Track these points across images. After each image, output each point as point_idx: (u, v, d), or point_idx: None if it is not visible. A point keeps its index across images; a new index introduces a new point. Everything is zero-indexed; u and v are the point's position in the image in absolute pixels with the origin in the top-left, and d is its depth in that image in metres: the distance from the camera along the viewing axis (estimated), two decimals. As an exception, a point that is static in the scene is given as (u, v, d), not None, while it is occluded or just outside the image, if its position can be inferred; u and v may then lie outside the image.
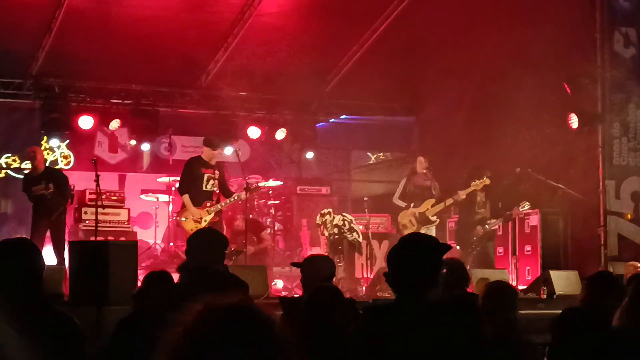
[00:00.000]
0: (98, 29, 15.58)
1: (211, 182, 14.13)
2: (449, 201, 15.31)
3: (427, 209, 15.30)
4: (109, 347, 6.91)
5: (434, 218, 15.39)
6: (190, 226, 13.78)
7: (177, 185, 15.12)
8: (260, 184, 16.33)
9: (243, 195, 14.22)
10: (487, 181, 15.04)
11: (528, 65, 14.96)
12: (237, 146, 14.98)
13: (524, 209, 15.31)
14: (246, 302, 2.50)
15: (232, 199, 14.22)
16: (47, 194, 14.32)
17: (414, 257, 4.41)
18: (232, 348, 2.39)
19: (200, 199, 14.05)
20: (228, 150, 17.06)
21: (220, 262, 6.77)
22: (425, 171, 15.59)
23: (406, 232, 15.10)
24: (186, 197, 14.05)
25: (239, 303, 2.48)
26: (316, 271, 7.29)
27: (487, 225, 15.12)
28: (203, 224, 13.77)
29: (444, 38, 16.25)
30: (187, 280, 6.50)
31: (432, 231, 15.23)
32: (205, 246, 6.61)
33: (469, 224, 15.22)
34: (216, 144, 14.54)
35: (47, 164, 15.47)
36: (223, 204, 14.18)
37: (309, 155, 19.35)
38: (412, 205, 15.38)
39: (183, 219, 14.09)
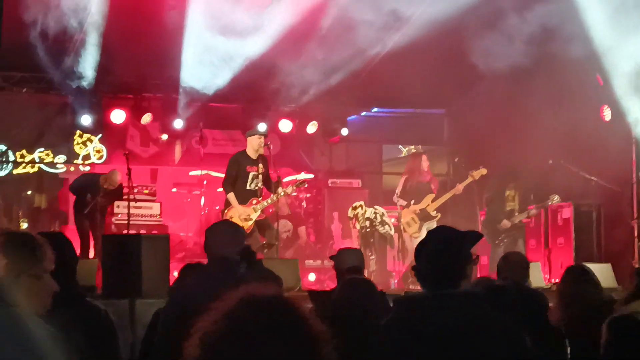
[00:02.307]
0: (128, 24, 15.63)
1: (255, 180, 13.73)
2: (449, 195, 15.33)
3: (428, 204, 15.28)
4: (146, 337, 6.98)
5: (435, 213, 15.36)
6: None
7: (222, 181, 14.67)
8: (291, 177, 16.35)
9: (289, 190, 13.99)
10: (483, 171, 15.15)
11: (560, 55, 14.86)
12: (268, 139, 14.91)
13: (554, 201, 15.27)
14: (282, 294, 2.51)
15: (279, 195, 13.82)
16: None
17: (442, 250, 4.38)
18: (267, 339, 2.39)
19: (244, 196, 13.68)
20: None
21: (238, 253, 6.68)
22: (426, 169, 15.58)
23: (409, 229, 15.22)
24: (231, 196, 13.64)
25: (276, 295, 2.48)
26: (344, 263, 7.39)
27: (512, 219, 15.10)
28: (250, 223, 13.60)
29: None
30: (214, 272, 6.46)
31: (433, 226, 15.28)
32: (228, 237, 6.47)
33: (496, 218, 15.20)
34: (261, 132, 14.34)
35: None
36: (269, 201, 13.77)
37: (344, 131, 19.29)
38: (412, 202, 15.35)
39: (230, 217, 13.62)
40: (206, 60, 16.53)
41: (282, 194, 13.80)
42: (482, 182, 15.60)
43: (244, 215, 13.54)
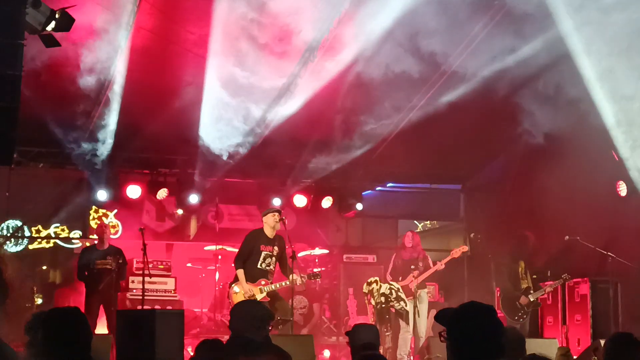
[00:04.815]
0: (145, 100, 15.74)
1: (268, 260, 13.65)
2: (431, 271, 15.27)
3: (411, 281, 15.24)
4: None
5: (416, 289, 15.29)
6: (239, 300, 13.51)
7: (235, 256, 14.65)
8: (306, 253, 16.26)
9: (299, 280, 13.66)
10: (464, 248, 15.14)
11: (575, 131, 14.88)
12: (284, 214, 14.86)
13: (566, 280, 15.24)
14: None
15: (288, 283, 13.59)
16: (113, 269, 14.96)
17: (478, 326, 4.30)
18: None
19: (254, 275, 13.60)
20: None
21: (260, 332, 6.72)
22: (411, 245, 15.54)
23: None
24: (240, 272, 13.55)
25: None
26: (359, 339, 7.36)
27: (529, 296, 15.05)
28: None
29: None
30: (228, 348, 6.48)
31: (421, 301, 15.19)
32: (245, 317, 6.55)
33: (514, 294, 15.14)
34: (274, 209, 14.31)
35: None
36: (277, 286, 13.66)
37: (359, 206, 19.23)
38: (400, 279, 15.31)
39: (235, 291, 13.63)
40: (223, 131, 16.54)
41: (291, 282, 13.60)
42: (497, 259, 15.57)
43: (248, 294, 13.41)
